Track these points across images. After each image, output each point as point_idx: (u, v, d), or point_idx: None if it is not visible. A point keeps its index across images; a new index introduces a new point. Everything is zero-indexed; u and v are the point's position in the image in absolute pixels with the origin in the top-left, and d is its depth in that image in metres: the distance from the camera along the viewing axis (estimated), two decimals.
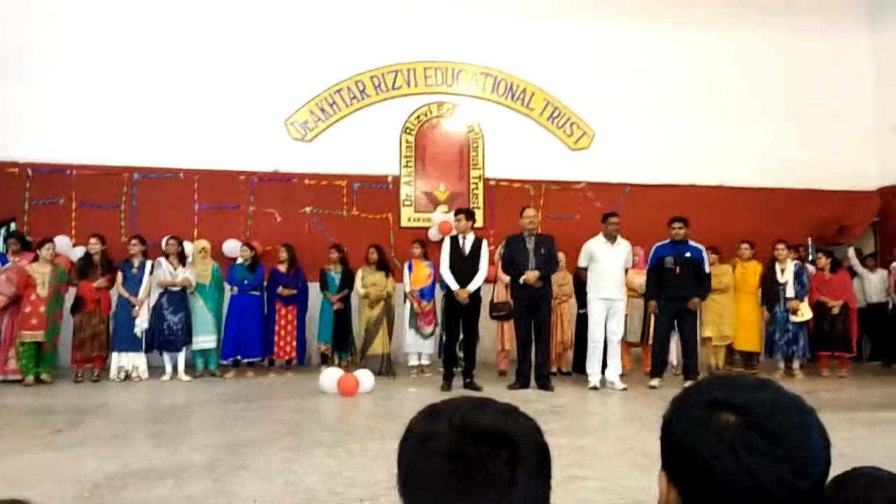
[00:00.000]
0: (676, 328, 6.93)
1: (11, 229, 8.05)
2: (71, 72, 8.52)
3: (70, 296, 7.17)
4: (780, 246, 7.81)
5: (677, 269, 6.77)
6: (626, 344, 7.45)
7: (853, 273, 8.84)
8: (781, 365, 7.87)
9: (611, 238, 6.91)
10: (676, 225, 6.88)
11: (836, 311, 7.78)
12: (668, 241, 6.93)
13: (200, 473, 3.76)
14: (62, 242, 7.76)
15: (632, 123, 9.57)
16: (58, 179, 8.40)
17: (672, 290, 6.73)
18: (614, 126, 9.60)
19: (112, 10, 8.75)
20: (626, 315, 7.22)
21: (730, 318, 7.87)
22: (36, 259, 7.01)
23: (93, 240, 7.27)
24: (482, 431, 0.80)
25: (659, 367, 6.89)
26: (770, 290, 7.82)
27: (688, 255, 6.81)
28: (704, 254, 6.93)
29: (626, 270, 7.10)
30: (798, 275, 7.74)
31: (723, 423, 0.80)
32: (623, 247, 6.98)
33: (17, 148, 8.26)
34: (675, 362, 7.63)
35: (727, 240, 8.28)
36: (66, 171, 8.42)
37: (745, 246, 8.07)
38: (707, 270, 6.91)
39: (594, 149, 9.66)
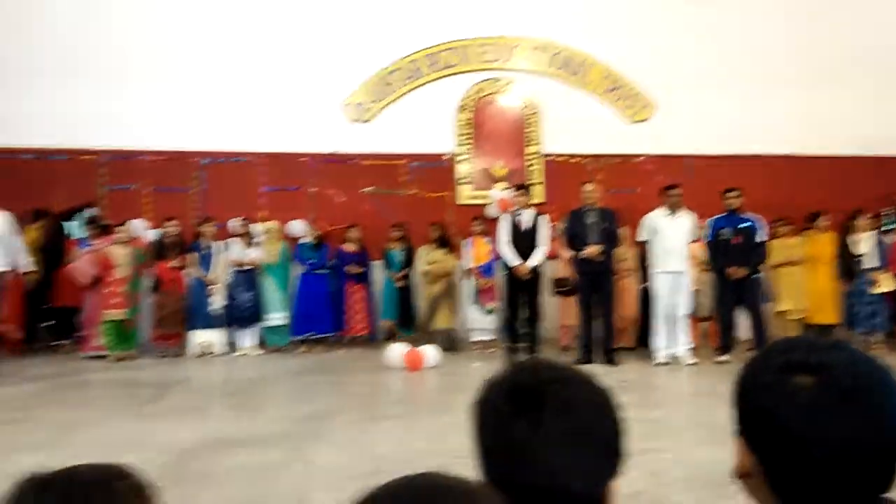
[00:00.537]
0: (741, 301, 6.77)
1: (90, 214, 8.43)
2: (139, 63, 8.82)
3: (149, 276, 7.51)
4: (863, 216, 7.50)
5: (735, 240, 6.64)
6: (695, 319, 7.31)
7: None
8: (860, 338, 7.58)
9: (673, 210, 6.79)
10: (731, 195, 6.78)
11: None
12: (724, 213, 6.80)
13: (278, 442, 3.92)
14: (137, 225, 8.11)
15: (694, 92, 9.23)
16: (131, 165, 8.76)
17: (731, 261, 6.60)
18: (676, 96, 9.30)
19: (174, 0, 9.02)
20: (698, 290, 7.08)
21: (804, 290, 7.63)
22: (114, 242, 7.36)
23: (169, 222, 7.60)
24: (514, 389, 0.84)
25: (726, 341, 6.75)
26: (847, 261, 7.53)
27: (744, 225, 6.69)
28: (759, 223, 6.77)
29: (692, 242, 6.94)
30: (878, 245, 7.42)
31: (799, 384, 0.79)
32: (686, 219, 6.84)
33: (93, 136, 8.63)
34: (745, 337, 7.44)
35: (797, 211, 7.98)
36: (139, 157, 8.77)
37: (823, 217, 7.77)
38: (759, 240, 6.73)
39: (655, 120, 9.40)
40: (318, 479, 3.31)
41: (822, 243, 7.71)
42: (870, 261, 7.38)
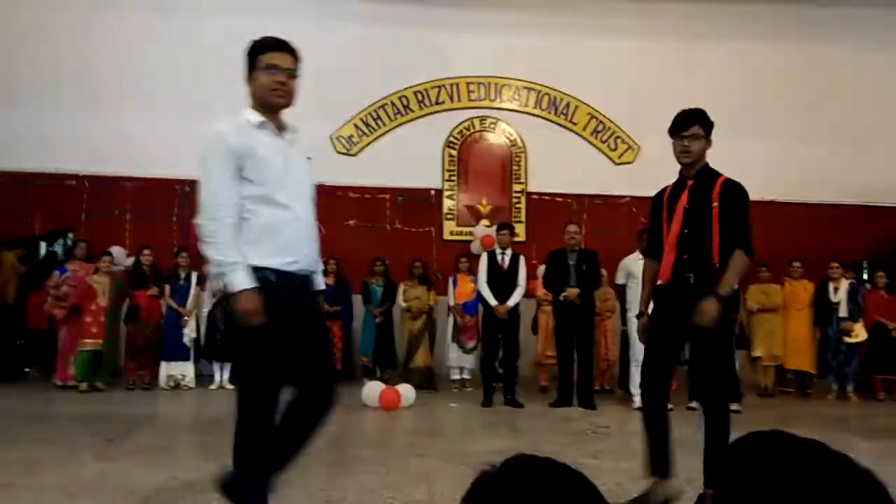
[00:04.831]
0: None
1: (70, 239, 8.34)
2: (125, 89, 8.82)
3: (125, 305, 7.40)
4: (834, 265, 7.58)
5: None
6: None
7: None
8: (835, 387, 7.61)
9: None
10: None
11: None
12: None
13: None
14: (117, 253, 8.02)
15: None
16: (112, 191, 8.71)
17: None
18: (659, 140, 9.40)
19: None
20: None
21: (780, 337, 7.66)
22: (96, 270, 7.26)
23: (146, 251, 7.51)
24: None
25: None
26: (822, 309, 7.59)
27: None
28: None
29: None
30: (852, 294, 7.49)
31: None
32: None
33: (74, 161, 8.59)
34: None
35: (779, 257, 8.07)
36: (120, 183, 8.73)
37: (796, 264, 7.85)
38: None
39: (638, 163, 9.53)
40: None
41: (798, 290, 7.77)
42: (844, 309, 7.44)
